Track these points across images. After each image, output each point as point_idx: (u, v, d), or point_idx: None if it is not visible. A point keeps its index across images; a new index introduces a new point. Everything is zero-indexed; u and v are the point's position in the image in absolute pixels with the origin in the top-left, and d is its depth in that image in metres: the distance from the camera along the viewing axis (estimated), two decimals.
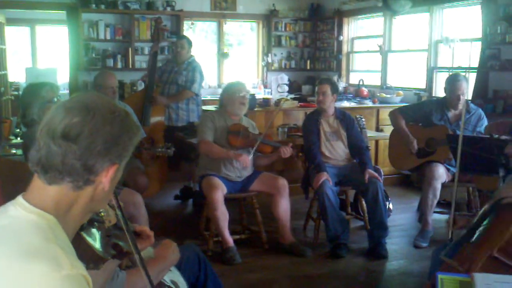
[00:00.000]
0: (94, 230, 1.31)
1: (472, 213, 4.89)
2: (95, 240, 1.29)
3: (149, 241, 1.74)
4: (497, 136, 3.29)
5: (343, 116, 4.72)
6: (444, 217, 5.16)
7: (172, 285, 2.14)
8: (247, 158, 4.28)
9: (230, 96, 4.45)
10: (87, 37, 7.94)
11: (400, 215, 5.41)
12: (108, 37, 8.06)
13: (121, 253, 1.37)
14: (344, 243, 4.33)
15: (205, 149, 4.37)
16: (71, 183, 1.19)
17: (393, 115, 4.99)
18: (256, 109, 6.37)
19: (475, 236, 2.54)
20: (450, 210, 5.15)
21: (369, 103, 7.23)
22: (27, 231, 1.14)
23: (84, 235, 1.27)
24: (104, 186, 1.23)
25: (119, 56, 8.11)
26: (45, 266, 1.06)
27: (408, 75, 7.64)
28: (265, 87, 9.00)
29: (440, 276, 1.75)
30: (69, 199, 1.21)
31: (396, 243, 4.60)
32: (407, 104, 5.54)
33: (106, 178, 1.22)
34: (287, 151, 4.35)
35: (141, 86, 7.53)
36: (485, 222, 2.54)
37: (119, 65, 8.10)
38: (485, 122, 4.69)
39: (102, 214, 1.37)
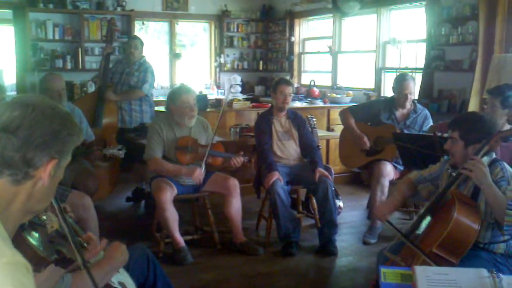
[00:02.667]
0: (35, 233, 1.30)
1: (411, 210, 5.06)
2: (36, 242, 1.28)
3: (96, 251, 1.73)
4: (440, 134, 3.42)
5: (294, 116, 4.79)
6: (393, 214, 5.29)
7: (119, 287, 2.13)
8: (200, 174, 4.19)
9: (177, 107, 4.26)
10: (35, 37, 7.76)
11: (350, 212, 5.52)
12: (57, 37, 7.90)
13: (64, 259, 1.36)
14: (295, 241, 4.40)
15: (154, 168, 4.27)
16: (10, 176, 1.20)
17: (343, 114, 5.09)
18: (208, 109, 6.38)
19: (417, 233, 2.64)
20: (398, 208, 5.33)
21: (320, 103, 7.35)
22: None
23: (26, 235, 1.26)
24: (43, 182, 1.23)
25: (68, 57, 7.96)
26: None
27: (357, 76, 7.80)
28: (218, 87, 9.02)
29: (383, 269, 1.82)
30: (9, 194, 1.21)
31: (346, 240, 4.70)
32: (357, 104, 5.67)
33: (45, 173, 1.23)
34: (238, 162, 4.31)
35: (91, 87, 7.42)
36: (427, 219, 2.65)
37: (69, 65, 7.95)
38: (430, 122, 4.85)
39: (44, 218, 1.36)
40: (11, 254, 1.07)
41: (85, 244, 1.75)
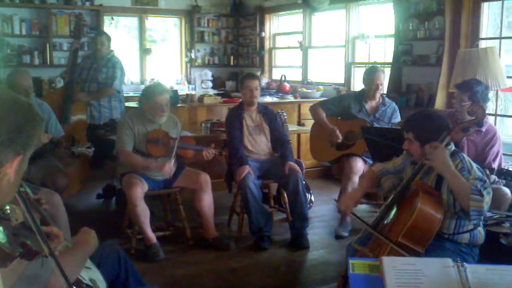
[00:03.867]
0: None
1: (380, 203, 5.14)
2: (1, 236, 1.26)
3: (58, 240, 1.71)
4: None
5: (265, 110, 4.81)
6: (362, 207, 5.38)
7: (90, 283, 2.13)
8: (169, 167, 4.19)
9: (150, 105, 4.27)
10: (1, 32, 7.58)
11: (321, 206, 5.58)
12: (24, 33, 7.75)
13: (29, 252, 1.35)
14: (267, 235, 4.43)
15: (124, 159, 4.28)
16: None
17: (313, 108, 5.13)
18: (179, 105, 6.36)
19: (383, 224, 2.70)
20: (368, 200, 5.42)
21: (291, 98, 7.39)
22: None
23: None
24: (9, 177, 1.21)
25: (36, 52, 7.81)
26: None
27: (327, 71, 7.86)
28: (189, 83, 8.98)
29: (351, 261, 1.85)
30: None
31: (317, 234, 4.75)
32: (327, 98, 5.71)
33: (11, 169, 1.20)
34: (209, 154, 4.34)
35: (60, 83, 7.31)
36: (393, 211, 2.70)
37: (37, 61, 7.81)
38: (398, 115, 4.93)
39: (8, 211, 1.34)
40: None
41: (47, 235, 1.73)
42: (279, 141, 4.73)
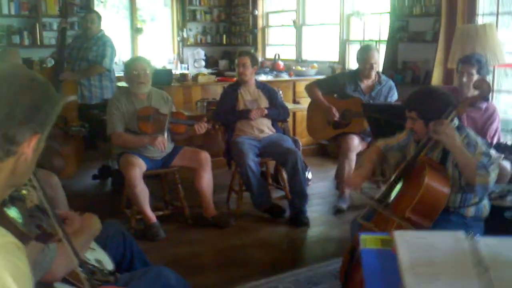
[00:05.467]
0: (15, 208, 1.25)
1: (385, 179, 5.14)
2: (17, 217, 1.23)
3: (74, 225, 1.70)
4: None
5: (264, 86, 4.83)
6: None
7: (96, 264, 2.11)
8: (163, 142, 4.13)
9: (127, 74, 4.30)
10: None
11: (318, 183, 5.59)
12: (13, 12, 7.59)
13: (44, 234, 1.32)
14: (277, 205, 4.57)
15: (117, 142, 4.24)
16: None
17: (309, 88, 5.10)
18: (173, 84, 6.30)
19: (389, 199, 2.69)
20: None
21: (285, 77, 7.34)
22: None
23: (6, 210, 1.21)
24: (26, 156, 1.18)
25: (25, 33, 7.67)
26: None
27: (322, 49, 7.80)
28: (182, 62, 8.89)
29: (362, 236, 1.84)
30: None
31: (316, 211, 4.75)
32: (322, 78, 5.68)
33: (29, 148, 1.17)
34: (201, 128, 4.27)
35: (50, 64, 7.18)
36: (398, 186, 2.69)
37: (26, 42, 7.67)
38: (395, 93, 4.90)
39: (24, 192, 1.31)
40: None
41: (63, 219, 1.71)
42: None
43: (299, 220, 4.41)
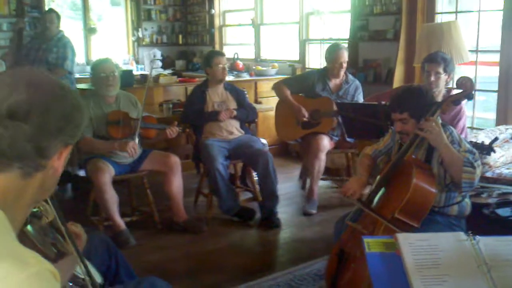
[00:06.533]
0: (30, 226, 1.15)
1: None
2: (35, 236, 1.13)
3: (81, 239, 1.60)
4: (385, 102, 3.47)
5: (231, 87, 4.76)
6: (326, 183, 5.40)
7: (86, 277, 1.99)
8: (134, 147, 4.03)
9: (95, 77, 4.18)
10: None
11: (284, 184, 5.51)
12: None
13: (61, 254, 1.22)
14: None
15: (86, 148, 4.09)
16: (21, 169, 1.03)
17: (277, 87, 5.05)
18: (135, 86, 6.14)
19: (376, 200, 2.68)
20: (330, 176, 5.45)
21: (246, 76, 7.28)
22: None
23: (28, 230, 1.11)
24: (55, 170, 1.08)
25: None
26: (8, 265, 0.88)
27: (281, 48, 7.79)
28: (137, 63, 8.71)
29: (365, 240, 1.81)
30: (17, 189, 1.04)
31: (285, 212, 4.71)
32: (290, 76, 5.66)
33: (59, 161, 1.08)
34: (173, 132, 4.20)
35: (1, 67, 6.88)
36: (384, 188, 2.68)
37: None
38: (361, 92, 4.93)
39: (41, 208, 1.21)
40: (35, 261, 0.92)
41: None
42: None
43: (270, 222, 4.36)
